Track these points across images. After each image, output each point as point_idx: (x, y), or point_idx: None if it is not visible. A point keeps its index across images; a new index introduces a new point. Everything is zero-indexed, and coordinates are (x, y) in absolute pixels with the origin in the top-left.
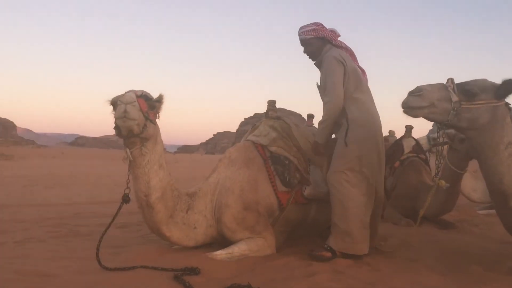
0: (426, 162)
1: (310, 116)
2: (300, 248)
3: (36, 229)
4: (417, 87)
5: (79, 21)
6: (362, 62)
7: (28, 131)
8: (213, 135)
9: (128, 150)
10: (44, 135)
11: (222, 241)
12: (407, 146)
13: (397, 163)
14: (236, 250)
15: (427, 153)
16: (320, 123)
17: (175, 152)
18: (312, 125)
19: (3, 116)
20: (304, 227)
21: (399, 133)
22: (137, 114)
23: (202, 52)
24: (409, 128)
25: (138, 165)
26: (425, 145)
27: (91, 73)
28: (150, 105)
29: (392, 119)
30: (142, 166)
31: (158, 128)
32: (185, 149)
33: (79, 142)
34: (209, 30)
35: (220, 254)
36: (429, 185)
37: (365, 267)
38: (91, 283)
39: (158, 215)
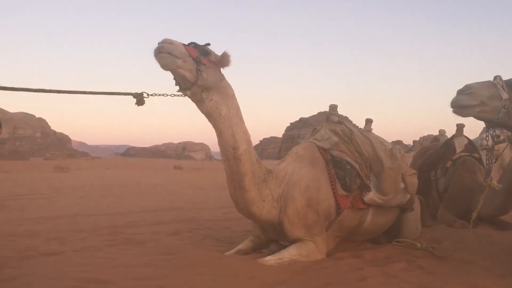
0: (480, 161)
1: (369, 121)
2: (350, 253)
3: (93, 238)
4: (466, 85)
5: (127, 30)
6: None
7: (82, 143)
8: (260, 141)
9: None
10: (97, 147)
11: (277, 232)
12: (459, 145)
13: (449, 163)
14: (286, 255)
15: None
16: None
17: None
18: (370, 129)
19: (59, 131)
20: (358, 233)
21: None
22: (176, 51)
23: (246, 58)
24: (460, 127)
25: (216, 120)
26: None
27: (139, 86)
28: (201, 50)
29: (440, 118)
30: (222, 120)
31: (225, 81)
32: None
33: (130, 152)
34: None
35: (270, 259)
36: (483, 185)
37: (418, 270)
38: None
39: (245, 167)
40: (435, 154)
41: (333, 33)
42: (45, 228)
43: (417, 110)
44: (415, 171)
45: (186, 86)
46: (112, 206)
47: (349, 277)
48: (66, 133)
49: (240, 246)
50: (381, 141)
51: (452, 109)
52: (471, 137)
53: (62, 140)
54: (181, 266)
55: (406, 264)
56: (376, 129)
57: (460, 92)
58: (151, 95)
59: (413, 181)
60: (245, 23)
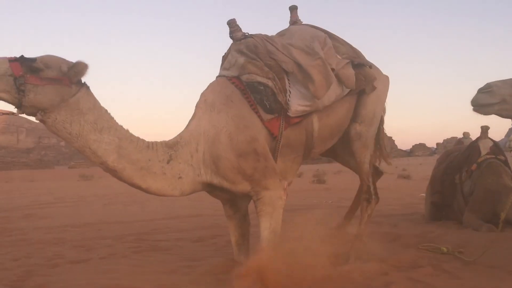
0: (506, 163)
1: (293, 8)
2: (374, 257)
3: (119, 245)
4: (486, 84)
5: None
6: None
7: None
8: None
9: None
10: None
11: (223, 191)
12: (484, 147)
13: (474, 166)
14: (266, 234)
15: None
16: None
17: None
18: (297, 19)
19: None
20: (316, 144)
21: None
22: None
23: None
24: (485, 129)
25: (67, 140)
26: None
27: (157, 93)
28: (29, 67)
29: (464, 120)
30: (74, 140)
31: (78, 94)
32: None
33: None
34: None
35: (264, 248)
36: (510, 187)
37: (444, 275)
38: None
39: (125, 173)
40: (459, 157)
41: (344, 27)
42: (72, 235)
43: (440, 111)
44: (347, 61)
45: (14, 105)
46: (136, 213)
47: (374, 283)
48: None
49: (233, 242)
50: (303, 37)
51: (472, 107)
52: (496, 139)
53: None
54: (205, 273)
55: (432, 269)
56: (398, 131)
57: (480, 90)
58: None
59: (348, 73)
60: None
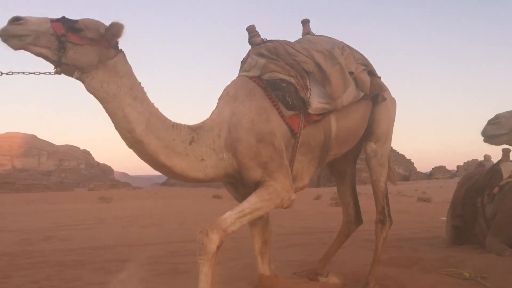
0: None
1: (305, 22)
2: (394, 281)
3: (137, 267)
4: (495, 115)
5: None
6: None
7: (124, 174)
8: None
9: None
10: (138, 177)
11: (240, 180)
12: (506, 170)
13: (496, 189)
14: (246, 205)
15: None
16: None
17: None
18: (309, 31)
19: (102, 162)
20: (332, 146)
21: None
22: (22, 30)
23: None
24: (506, 152)
25: (103, 100)
26: None
27: (181, 113)
28: (70, 27)
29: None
30: (109, 100)
31: (117, 58)
32: None
33: (170, 182)
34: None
35: (229, 216)
36: None
37: None
38: None
39: (151, 147)
40: (481, 180)
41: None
42: (91, 258)
43: (460, 133)
44: (364, 67)
45: (54, 64)
46: (154, 235)
47: None
48: (109, 164)
49: (256, 250)
50: (321, 43)
51: (482, 138)
52: None
53: (105, 171)
54: None
55: None
56: (417, 155)
57: (489, 122)
58: (7, 73)
59: (364, 78)
60: None
